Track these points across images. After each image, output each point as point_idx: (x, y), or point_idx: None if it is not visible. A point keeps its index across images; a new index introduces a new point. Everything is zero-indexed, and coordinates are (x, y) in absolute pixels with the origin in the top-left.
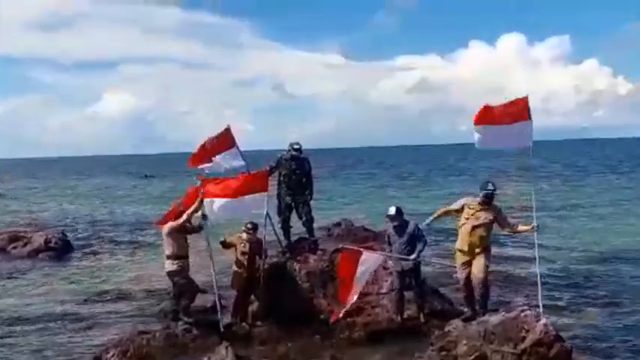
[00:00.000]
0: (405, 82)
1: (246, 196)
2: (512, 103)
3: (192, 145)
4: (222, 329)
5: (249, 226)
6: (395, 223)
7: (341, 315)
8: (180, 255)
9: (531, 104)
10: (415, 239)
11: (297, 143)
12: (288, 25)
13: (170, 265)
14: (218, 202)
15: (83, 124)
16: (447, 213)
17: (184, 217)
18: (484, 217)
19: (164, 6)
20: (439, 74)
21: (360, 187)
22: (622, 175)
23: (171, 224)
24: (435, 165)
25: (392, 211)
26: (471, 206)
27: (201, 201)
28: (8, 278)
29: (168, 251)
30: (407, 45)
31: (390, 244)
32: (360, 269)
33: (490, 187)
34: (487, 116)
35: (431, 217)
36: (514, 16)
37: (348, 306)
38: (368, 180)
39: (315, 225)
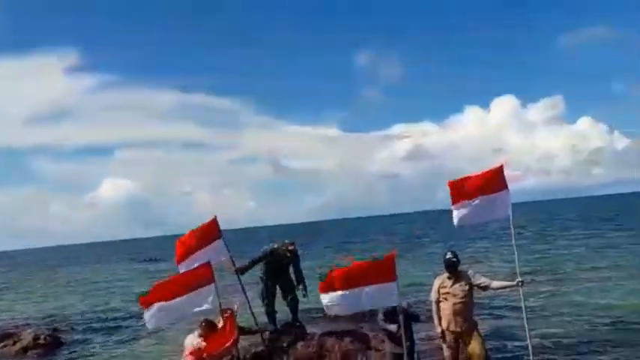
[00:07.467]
0: (400, 150)
1: (192, 293)
2: (487, 172)
3: (195, 226)
4: None
5: (203, 324)
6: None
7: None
8: None
9: (529, 165)
10: (410, 320)
11: (293, 243)
12: (283, 103)
13: None
14: (164, 306)
15: (83, 211)
16: (437, 305)
17: None
18: (460, 288)
19: (162, 89)
20: (434, 140)
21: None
22: (621, 232)
23: None
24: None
25: None
26: (444, 284)
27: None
28: None
29: None
30: (399, 115)
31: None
32: (371, 287)
33: (449, 255)
34: (463, 192)
35: (437, 323)
36: (506, 79)
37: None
38: (364, 253)
39: (302, 307)
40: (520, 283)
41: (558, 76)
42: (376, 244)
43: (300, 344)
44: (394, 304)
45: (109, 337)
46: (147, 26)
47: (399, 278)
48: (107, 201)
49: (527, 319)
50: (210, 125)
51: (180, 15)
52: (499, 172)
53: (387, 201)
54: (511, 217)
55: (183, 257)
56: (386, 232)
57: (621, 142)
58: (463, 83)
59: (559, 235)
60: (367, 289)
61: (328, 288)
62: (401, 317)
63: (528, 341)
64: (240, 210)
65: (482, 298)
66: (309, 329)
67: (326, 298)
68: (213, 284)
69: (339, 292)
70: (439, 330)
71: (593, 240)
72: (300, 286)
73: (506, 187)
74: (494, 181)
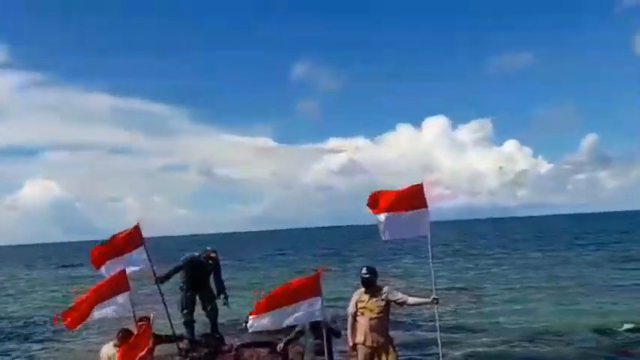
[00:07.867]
0: (334, 164)
1: (109, 300)
2: (408, 189)
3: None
4: None
5: (120, 334)
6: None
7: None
8: None
9: (459, 184)
10: (332, 335)
11: (214, 251)
12: (218, 112)
13: None
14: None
15: (5, 212)
16: (354, 319)
17: None
18: (376, 304)
19: (94, 92)
20: (367, 155)
21: (283, 272)
22: (541, 252)
23: None
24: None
25: None
26: (361, 299)
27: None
28: None
29: None
30: (334, 129)
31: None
32: (297, 304)
33: (364, 271)
34: (383, 202)
35: (350, 336)
36: (438, 99)
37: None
38: (291, 265)
39: (222, 319)
40: (435, 301)
41: (486, 99)
42: (307, 255)
43: (217, 356)
44: (318, 319)
45: (19, 344)
46: (81, 26)
47: (324, 293)
48: (32, 203)
49: (440, 335)
50: (142, 131)
51: (115, 17)
52: (419, 189)
53: (320, 213)
54: (429, 236)
55: (101, 262)
56: (318, 244)
57: (543, 167)
58: (397, 101)
59: (482, 255)
60: (293, 305)
61: (258, 313)
62: (324, 331)
63: (440, 357)
64: (170, 217)
65: (399, 314)
66: (228, 340)
67: (254, 322)
68: (127, 292)
69: (267, 313)
70: (351, 344)
71: (514, 260)
72: (222, 296)
73: (425, 205)
74: (414, 198)
